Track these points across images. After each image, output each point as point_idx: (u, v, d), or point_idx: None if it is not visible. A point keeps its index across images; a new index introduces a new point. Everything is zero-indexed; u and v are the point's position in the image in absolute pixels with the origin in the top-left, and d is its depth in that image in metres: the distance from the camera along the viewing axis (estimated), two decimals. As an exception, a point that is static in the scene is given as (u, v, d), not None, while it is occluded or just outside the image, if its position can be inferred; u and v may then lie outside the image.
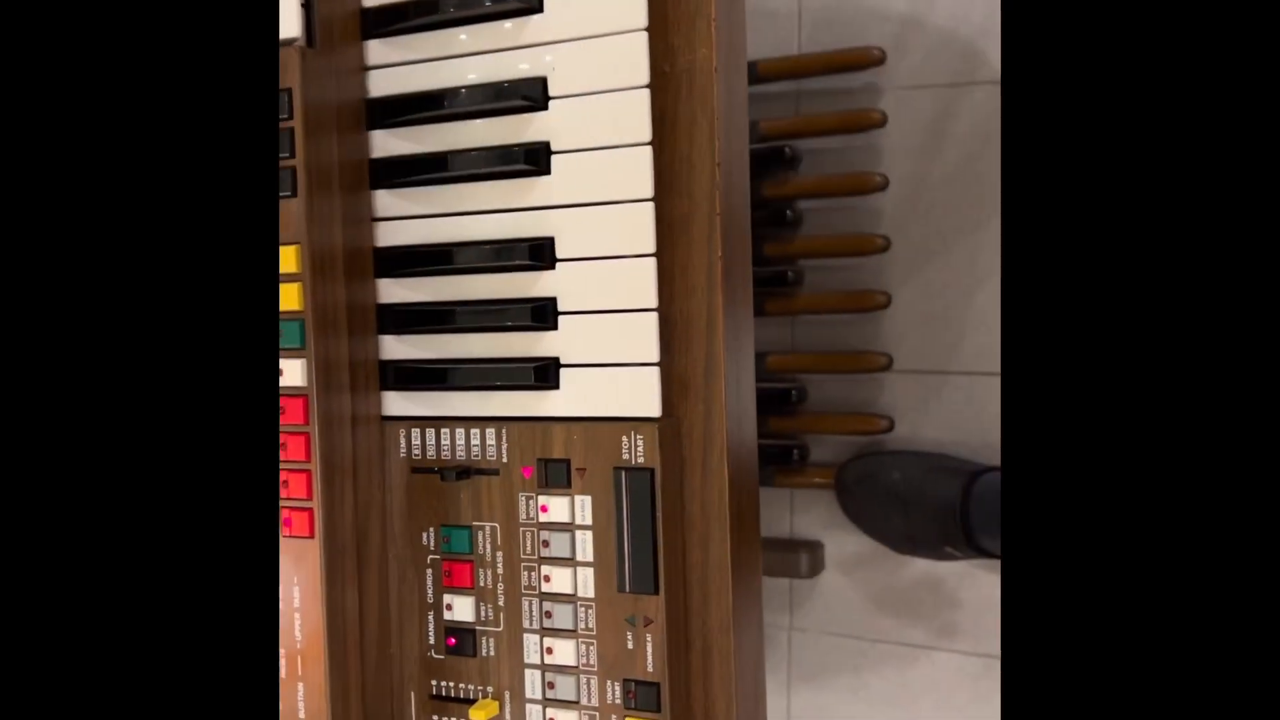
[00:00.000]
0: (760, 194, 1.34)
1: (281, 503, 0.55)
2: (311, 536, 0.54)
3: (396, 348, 0.61)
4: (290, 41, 0.55)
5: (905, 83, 1.26)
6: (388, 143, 0.60)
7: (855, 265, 1.31)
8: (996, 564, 1.16)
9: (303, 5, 0.55)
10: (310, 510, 0.54)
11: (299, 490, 0.54)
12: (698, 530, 0.57)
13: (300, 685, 0.55)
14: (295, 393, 0.54)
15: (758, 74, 1.35)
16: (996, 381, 1.19)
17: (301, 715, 0.55)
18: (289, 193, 0.54)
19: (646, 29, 0.54)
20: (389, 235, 0.61)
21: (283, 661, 0.55)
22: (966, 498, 1.10)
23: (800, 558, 1.36)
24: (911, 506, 1.18)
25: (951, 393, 1.25)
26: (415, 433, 0.60)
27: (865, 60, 1.25)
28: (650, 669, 0.55)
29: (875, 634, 1.33)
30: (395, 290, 0.61)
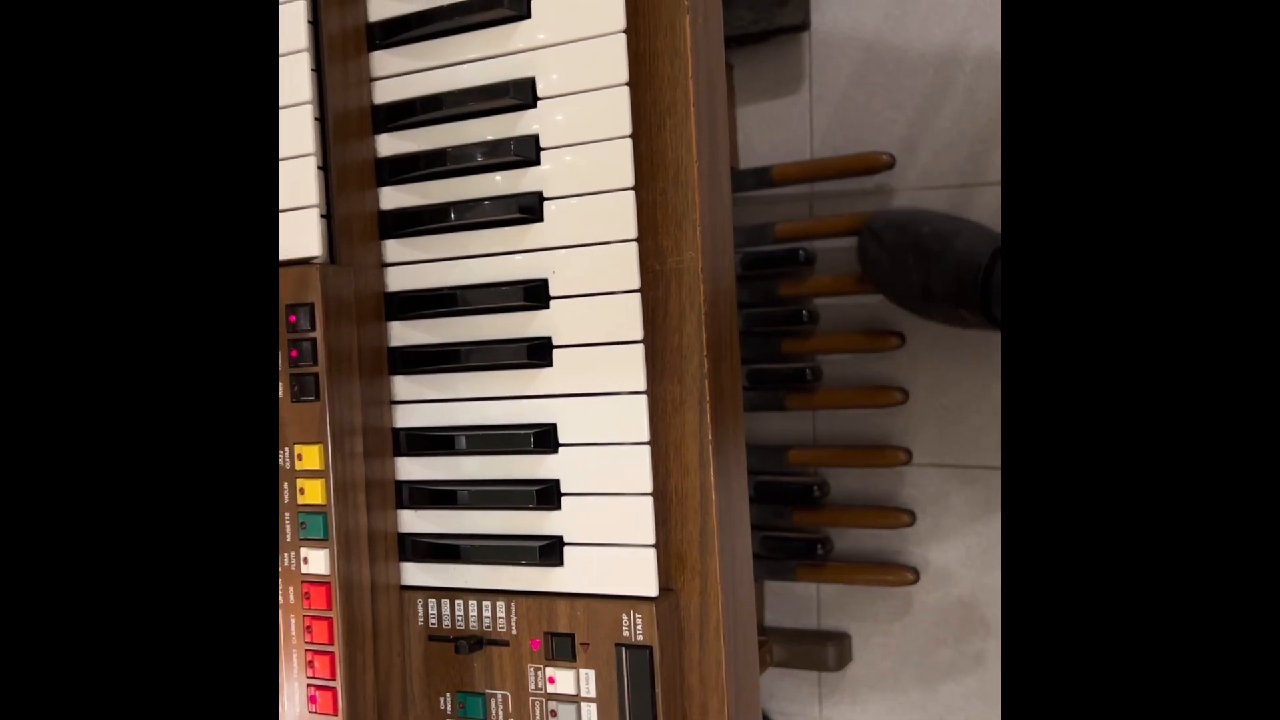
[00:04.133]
0: (776, 293, 1.38)
1: (307, 681, 0.59)
2: (336, 715, 0.58)
3: (414, 522, 0.65)
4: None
5: (916, 184, 1.30)
6: (406, 334, 0.65)
7: (874, 359, 1.34)
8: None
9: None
10: (334, 689, 0.58)
11: (324, 671, 0.59)
12: (697, 700, 0.60)
13: None
14: (320, 580, 0.59)
15: (772, 179, 1.40)
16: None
17: None
18: (313, 396, 0.59)
19: (636, 238, 0.59)
20: (406, 418, 0.65)
21: (311, 829, 0.59)
22: (995, 260, 1.05)
23: (827, 650, 1.37)
24: (935, 259, 1.12)
25: (968, 486, 1.27)
26: (431, 602, 0.64)
27: (875, 165, 1.28)
28: (654, 835, 0.58)
29: (904, 725, 1.34)
30: (412, 467, 0.65)
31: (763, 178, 1.40)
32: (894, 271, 1.20)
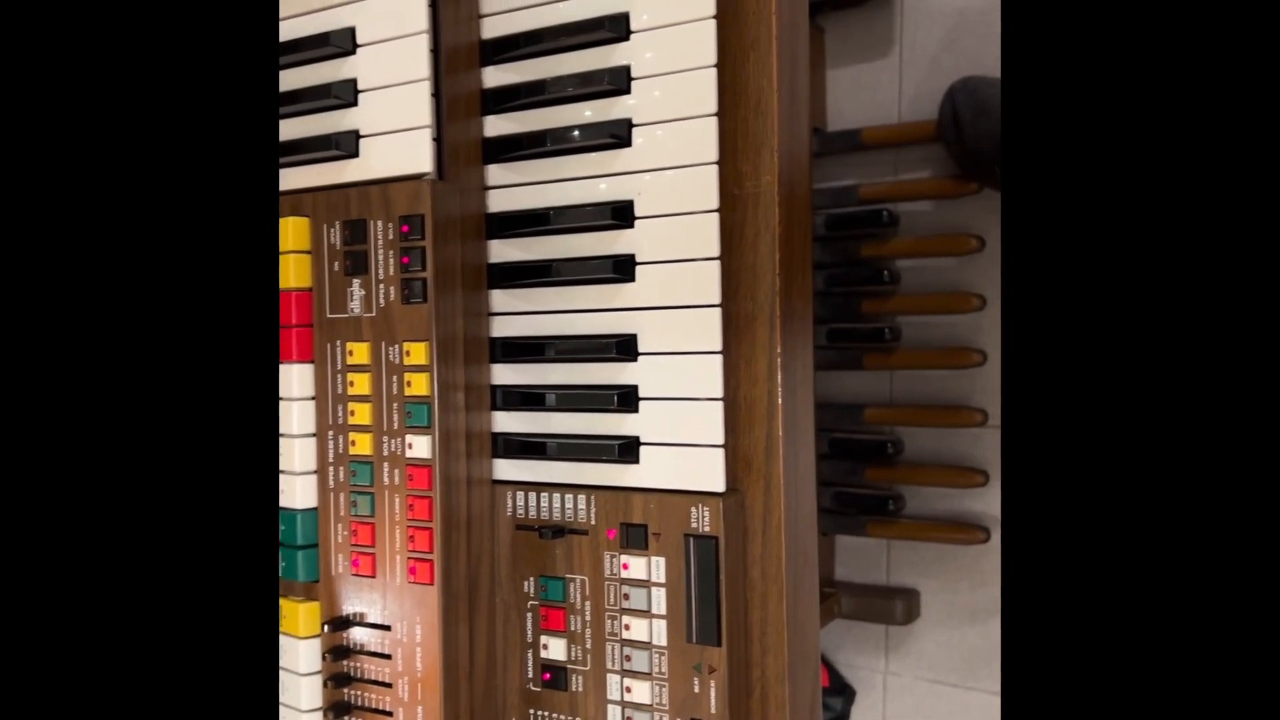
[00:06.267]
0: (858, 254, 1.40)
1: (408, 554, 0.66)
2: (432, 583, 0.65)
3: (506, 422, 0.72)
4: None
5: (1002, 148, 1.31)
6: (503, 251, 0.71)
7: (952, 320, 1.36)
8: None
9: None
10: (431, 561, 0.65)
11: (423, 544, 0.66)
12: (758, 591, 0.65)
13: (420, 708, 0.66)
14: (422, 463, 0.66)
15: (861, 141, 1.42)
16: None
17: (421, 732, 0.66)
18: (420, 298, 0.65)
19: (717, 162, 0.63)
20: (502, 328, 0.72)
21: (406, 687, 0.66)
22: None
23: (895, 604, 1.40)
24: (988, 118, 1.21)
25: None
26: (519, 495, 0.71)
27: (962, 129, 1.30)
28: (713, 711, 0.63)
29: (970, 681, 1.36)
30: (505, 373, 0.72)
31: (851, 140, 1.43)
32: (956, 128, 1.27)
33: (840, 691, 1.44)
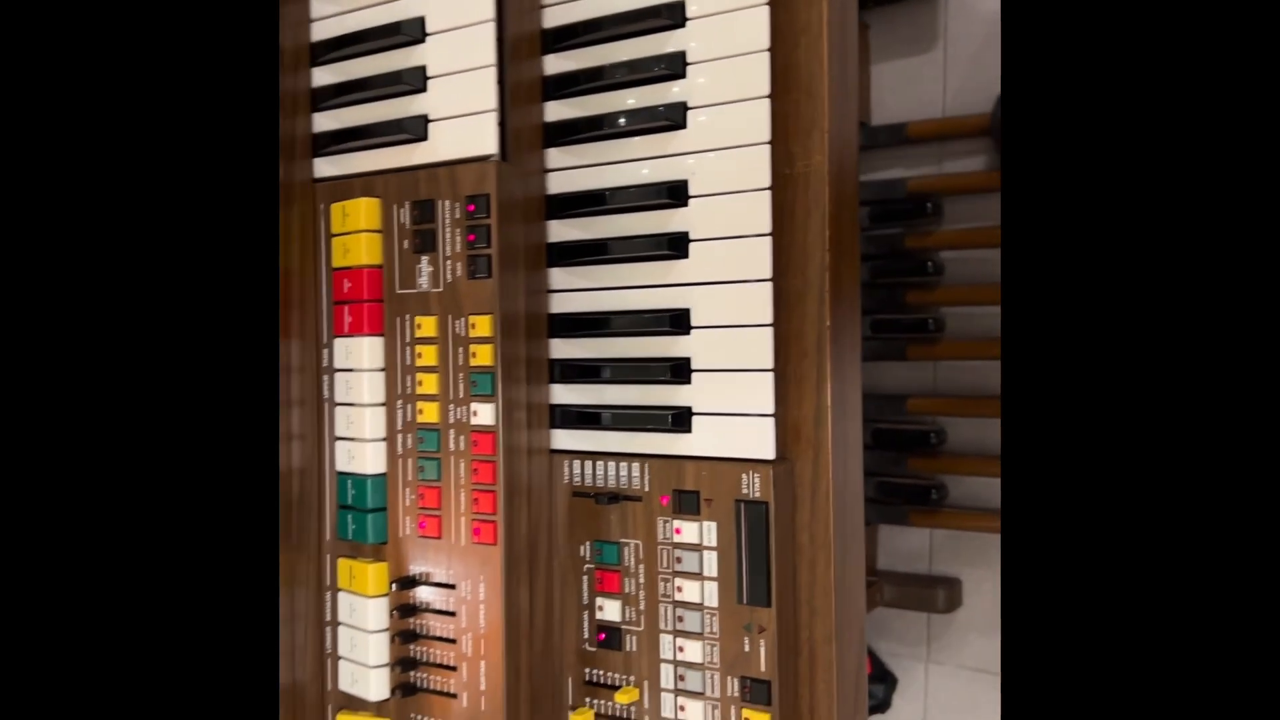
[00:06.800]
0: (903, 245, 1.42)
1: (472, 516, 0.70)
2: (495, 544, 0.69)
3: (564, 394, 0.75)
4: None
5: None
6: (562, 231, 0.75)
7: (995, 311, 1.37)
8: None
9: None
10: (494, 523, 0.69)
11: (486, 506, 0.69)
12: (806, 556, 0.68)
13: (483, 663, 0.69)
14: (486, 429, 0.69)
15: (906, 134, 1.44)
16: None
17: (483, 686, 0.69)
18: (486, 273, 0.69)
19: (770, 142, 0.66)
20: (561, 305, 0.75)
21: (470, 643, 0.70)
22: None
23: (938, 593, 1.42)
24: None
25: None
26: (577, 463, 0.74)
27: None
28: (763, 669, 0.66)
29: (1012, 671, 1.37)
30: (564, 348, 0.75)
31: (897, 134, 1.45)
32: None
33: (883, 679, 1.46)
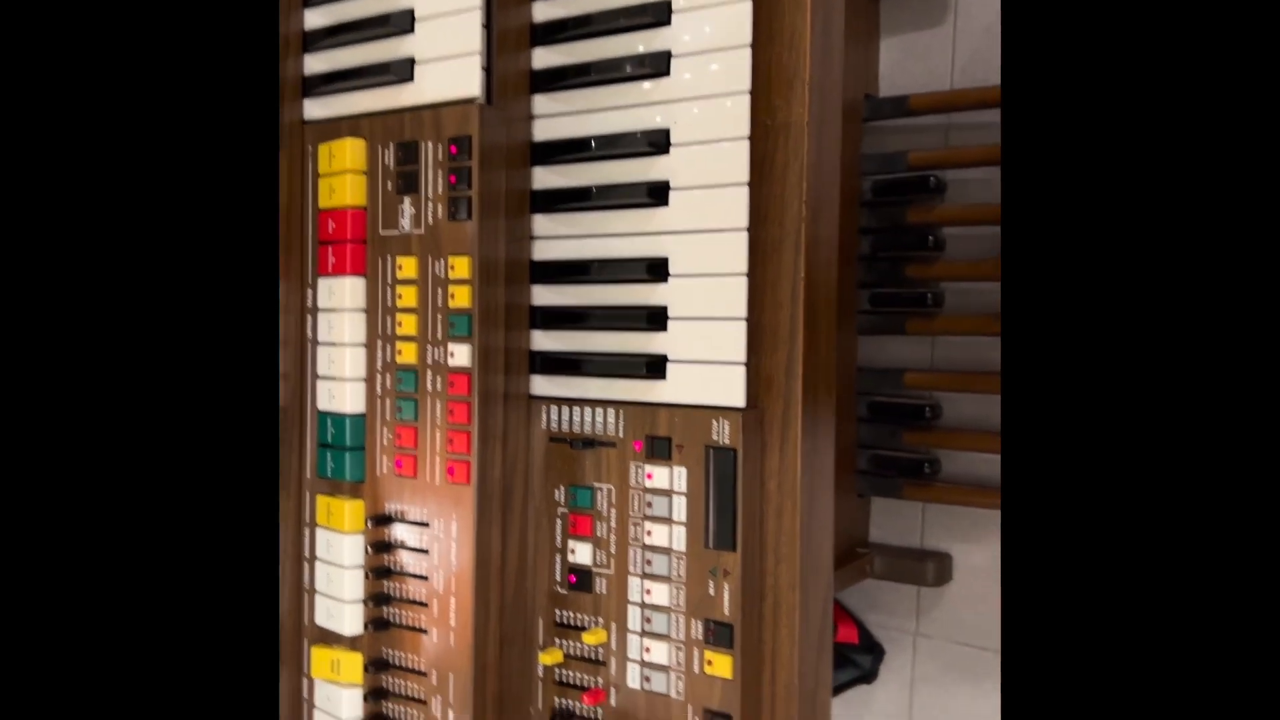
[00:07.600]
0: (904, 219, 1.42)
1: (447, 456, 0.71)
2: (468, 483, 0.70)
3: (543, 340, 0.76)
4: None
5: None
6: (545, 178, 0.75)
7: (995, 288, 1.37)
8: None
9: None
10: (468, 462, 0.70)
11: (461, 446, 0.70)
12: (774, 503, 0.68)
13: (453, 599, 0.70)
14: (462, 370, 0.70)
15: (908, 107, 1.43)
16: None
17: (453, 623, 0.70)
18: (465, 215, 0.70)
19: (750, 91, 0.66)
20: (542, 251, 0.76)
21: (441, 580, 0.71)
22: None
23: (928, 567, 1.42)
24: None
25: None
26: (554, 409, 0.75)
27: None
28: (727, 613, 0.67)
29: (999, 645, 1.38)
30: (544, 294, 0.76)
31: (899, 106, 1.44)
32: None
33: (870, 649, 1.47)
